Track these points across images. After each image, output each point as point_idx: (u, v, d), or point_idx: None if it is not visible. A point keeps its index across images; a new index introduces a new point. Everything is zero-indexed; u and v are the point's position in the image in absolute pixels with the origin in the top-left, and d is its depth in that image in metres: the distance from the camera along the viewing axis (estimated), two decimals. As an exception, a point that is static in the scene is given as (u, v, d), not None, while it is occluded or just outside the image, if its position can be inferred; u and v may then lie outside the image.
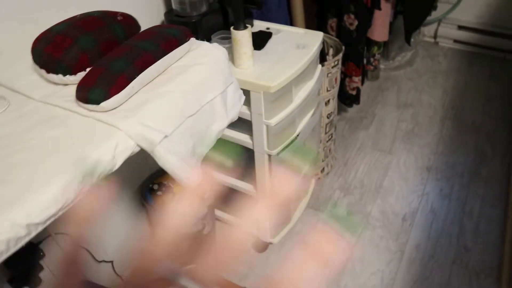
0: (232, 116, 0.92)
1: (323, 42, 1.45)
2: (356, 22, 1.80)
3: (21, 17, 0.93)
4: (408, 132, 2.18)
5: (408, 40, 2.34)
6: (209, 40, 1.22)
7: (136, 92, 0.80)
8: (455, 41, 2.85)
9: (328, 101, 1.66)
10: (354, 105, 2.10)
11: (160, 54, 0.81)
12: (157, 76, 0.83)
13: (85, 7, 1.04)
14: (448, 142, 2.11)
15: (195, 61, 0.87)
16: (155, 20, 1.30)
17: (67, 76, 0.81)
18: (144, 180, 1.44)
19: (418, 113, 2.30)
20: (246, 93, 1.17)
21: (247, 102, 1.20)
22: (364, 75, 2.11)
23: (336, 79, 1.66)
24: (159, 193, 1.40)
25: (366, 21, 1.81)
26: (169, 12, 1.26)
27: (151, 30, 0.87)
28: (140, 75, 0.77)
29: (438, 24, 2.84)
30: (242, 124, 1.27)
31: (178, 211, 0.28)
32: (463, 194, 1.82)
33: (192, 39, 0.89)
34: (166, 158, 0.77)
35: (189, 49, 0.89)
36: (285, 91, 1.23)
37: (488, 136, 2.12)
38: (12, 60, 0.92)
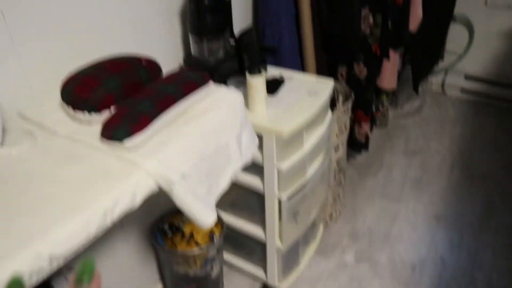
0: (247, 159, 0.95)
1: (334, 89, 1.50)
2: (365, 71, 1.86)
3: (52, 57, 0.99)
4: (416, 180, 2.19)
5: (416, 89, 2.40)
6: (225, 84, 1.27)
7: (158, 132, 0.83)
8: (463, 90, 2.90)
9: (338, 146, 1.69)
10: (363, 152, 2.13)
11: (180, 96, 0.85)
12: (178, 117, 0.87)
13: (112, 50, 1.11)
14: (457, 190, 2.11)
15: (214, 104, 0.91)
16: (174, 62, 1.37)
17: (93, 114, 0.86)
18: (155, 220, 1.45)
19: (427, 161, 2.32)
20: (259, 137, 1.20)
21: (259, 146, 1.23)
22: (373, 122, 2.16)
23: (345, 125, 1.70)
24: (169, 234, 1.41)
25: (375, 70, 1.87)
26: (188, 56, 1.32)
27: (173, 75, 0.92)
28: (161, 116, 0.81)
29: (446, 74, 2.91)
30: (252, 167, 1.30)
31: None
32: (473, 244, 1.81)
33: (211, 83, 0.94)
34: (184, 198, 0.79)
35: (208, 93, 0.93)
36: (297, 136, 1.26)
37: (497, 185, 2.12)
38: (42, 96, 0.97)
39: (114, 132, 0.78)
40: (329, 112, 1.49)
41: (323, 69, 1.84)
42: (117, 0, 1.11)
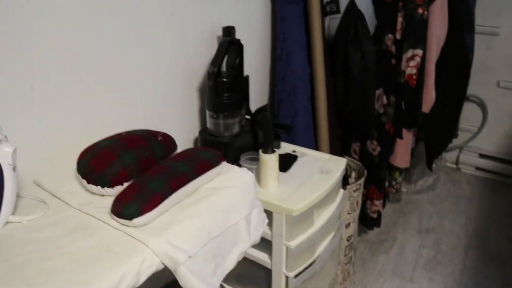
0: (255, 239, 0.95)
1: (346, 165, 1.51)
2: (378, 148, 1.87)
3: (73, 127, 1.03)
4: (430, 260, 2.12)
5: (429, 166, 2.39)
6: (238, 159, 1.29)
7: (167, 211, 0.84)
8: (477, 168, 2.88)
9: (349, 224, 1.67)
10: (375, 228, 2.10)
11: (193, 176, 0.87)
12: (188, 196, 0.88)
13: (133, 121, 1.15)
14: (473, 272, 2.04)
15: (224, 184, 0.92)
16: (191, 135, 1.40)
17: (106, 188, 0.87)
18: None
19: (441, 239, 2.27)
20: (269, 214, 1.20)
21: (269, 223, 1.23)
22: (385, 199, 2.14)
23: (357, 202, 1.69)
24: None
25: (388, 148, 1.89)
26: (203, 130, 1.36)
27: (187, 152, 0.95)
28: (173, 195, 0.83)
29: (460, 151, 2.91)
30: (261, 242, 1.28)
31: None
32: (489, 334, 1.71)
33: (224, 163, 0.96)
34: (188, 278, 0.78)
35: (219, 172, 0.95)
36: (307, 215, 1.25)
37: (514, 271, 2.05)
38: (59, 165, 1.00)
39: (124, 209, 0.79)
40: (341, 190, 1.49)
41: (337, 144, 1.86)
42: (139, 75, 1.17)
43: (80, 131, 1.05)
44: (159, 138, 0.96)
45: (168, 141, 0.98)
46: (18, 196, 0.90)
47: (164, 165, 0.89)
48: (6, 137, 0.77)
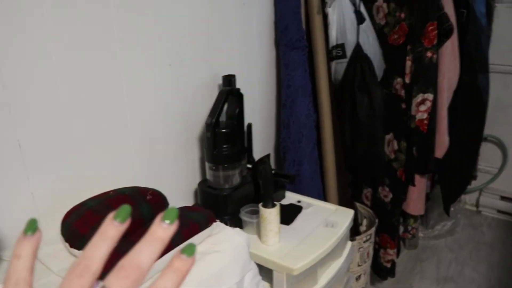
0: (248, 307, 0.88)
1: (356, 212, 1.44)
2: (390, 195, 1.79)
3: (61, 185, 1.00)
4: (449, 313, 1.99)
5: (447, 211, 2.29)
6: (237, 212, 1.24)
7: (150, 278, 0.79)
8: (499, 211, 2.75)
9: (359, 276, 1.58)
10: (389, 278, 1.99)
11: (179, 241, 0.82)
12: (174, 262, 0.82)
13: (126, 177, 1.11)
14: (496, 328, 1.90)
15: (214, 247, 0.87)
16: (191, 186, 1.36)
17: (88, 253, 0.82)
18: None
19: (461, 290, 2.13)
20: (269, 272, 1.13)
21: (269, 280, 1.16)
22: (399, 247, 2.04)
23: (368, 253, 1.60)
24: None
25: (400, 195, 1.80)
26: (203, 182, 1.31)
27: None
28: (155, 263, 0.77)
29: (480, 193, 2.79)
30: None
31: None
32: None
33: (215, 224, 0.90)
34: None
35: (210, 234, 0.90)
36: (310, 272, 1.18)
37: (542, 328, 1.90)
38: (46, 225, 0.96)
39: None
40: (349, 243, 1.41)
41: (346, 191, 1.79)
42: (134, 126, 1.14)
43: (69, 187, 1.01)
44: (147, 197, 0.91)
45: (157, 200, 0.94)
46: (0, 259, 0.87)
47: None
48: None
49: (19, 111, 0.88)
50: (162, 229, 0.29)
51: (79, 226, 0.84)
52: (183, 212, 0.91)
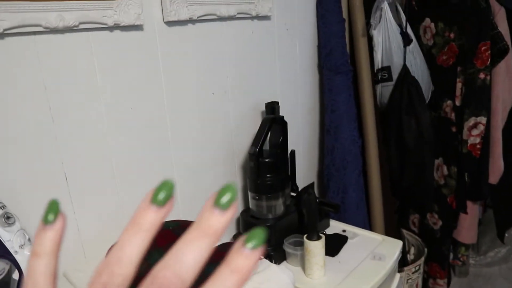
0: None
1: (404, 240, 1.37)
2: (440, 222, 1.71)
3: (104, 219, 1.00)
4: None
5: (501, 238, 2.15)
6: (281, 243, 1.21)
7: None
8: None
9: (408, 309, 1.51)
10: (440, 309, 1.89)
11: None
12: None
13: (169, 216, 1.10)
14: None
15: (260, 286, 0.84)
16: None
17: (133, 290, 0.82)
18: None
19: (518, 324, 1.99)
20: (314, 308, 1.09)
21: (315, 316, 1.12)
22: (450, 276, 1.93)
23: (417, 284, 1.52)
24: None
25: (451, 223, 1.72)
26: (245, 211, 1.29)
27: (219, 251, 0.88)
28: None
29: (537, 218, 2.62)
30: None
31: None
32: None
33: (260, 262, 0.88)
34: None
35: (255, 272, 0.87)
36: (357, 309, 1.13)
37: None
38: (90, 261, 0.97)
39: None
40: (397, 275, 1.35)
41: (392, 219, 1.73)
42: (176, 157, 1.14)
43: (115, 221, 1.02)
44: (191, 233, 0.90)
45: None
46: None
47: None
48: (29, 240, 0.75)
49: (66, 145, 0.90)
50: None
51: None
52: (227, 249, 0.89)
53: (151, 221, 0.22)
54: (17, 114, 0.81)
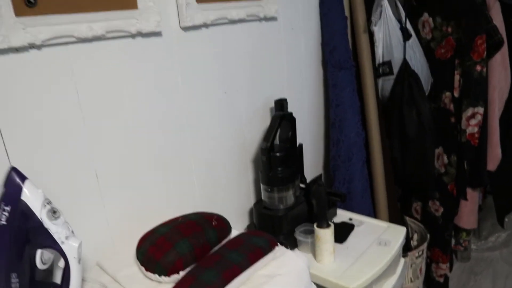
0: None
1: (407, 227, 1.45)
2: (441, 209, 1.79)
3: (134, 212, 1.08)
4: (507, 328, 1.95)
5: (501, 223, 2.24)
6: (292, 232, 1.29)
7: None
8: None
9: (413, 292, 1.59)
10: (442, 292, 1.97)
11: (246, 265, 0.88)
12: (242, 285, 0.88)
13: (188, 200, 1.19)
14: None
15: (277, 270, 0.92)
16: (246, 205, 1.42)
17: (162, 276, 0.90)
18: None
19: (519, 305, 2.08)
20: (326, 290, 1.18)
21: (326, 298, 1.20)
22: (452, 260, 2.01)
23: (420, 269, 1.60)
24: None
25: (452, 210, 1.79)
26: (258, 202, 1.37)
27: (240, 239, 0.96)
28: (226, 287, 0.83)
29: (535, 203, 2.70)
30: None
31: None
32: None
33: (277, 248, 0.96)
34: None
35: (273, 258, 0.95)
36: (366, 291, 1.21)
37: None
38: (121, 248, 1.05)
39: (179, 304, 0.80)
40: (402, 259, 1.43)
41: (396, 206, 1.80)
42: (194, 154, 1.22)
43: (140, 213, 1.09)
44: (213, 223, 0.98)
45: (222, 225, 1.00)
46: (83, 280, 0.95)
47: (217, 255, 0.91)
48: (72, 232, 0.83)
49: (96, 144, 0.97)
50: None
51: (153, 252, 0.92)
52: (248, 237, 0.97)
53: None
54: (52, 117, 0.88)
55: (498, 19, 1.73)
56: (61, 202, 0.90)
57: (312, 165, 1.69)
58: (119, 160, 1.03)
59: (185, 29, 1.12)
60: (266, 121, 1.41)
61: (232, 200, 1.37)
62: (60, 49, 0.87)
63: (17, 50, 0.81)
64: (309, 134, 1.66)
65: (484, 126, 1.71)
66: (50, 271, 0.87)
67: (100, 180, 1.01)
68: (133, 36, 0.99)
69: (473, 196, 1.84)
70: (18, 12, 0.80)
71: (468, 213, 1.87)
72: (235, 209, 1.39)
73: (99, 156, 0.98)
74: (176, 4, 1.09)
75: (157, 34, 1.05)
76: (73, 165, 0.94)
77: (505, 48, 1.78)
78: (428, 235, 1.67)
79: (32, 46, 0.83)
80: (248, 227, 1.43)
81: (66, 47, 0.88)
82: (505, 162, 1.91)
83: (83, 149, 0.95)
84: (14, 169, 0.77)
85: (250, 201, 1.43)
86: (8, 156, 0.83)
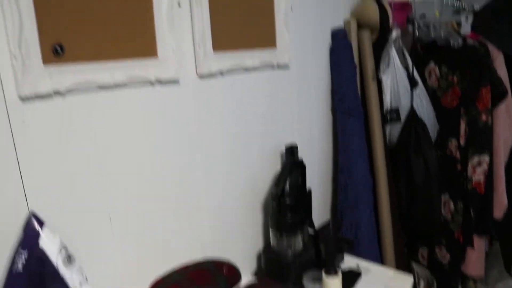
0: None
1: (413, 273, 1.43)
2: (448, 256, 1.78)
3: (142, 255, 1.08)
4: None
5: (508, 270, 2.21)
6: (300, 277, 1.28)
7: None
8: None
9: None
10: None
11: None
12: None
13: (198, 244, 1.18)
14: None
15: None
16: (253, 250, 1.41)
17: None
18: None
19: None
20: None
21: None
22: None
23: (428, 318, 1.58)
24: None
25: (458, 257, 1.78)
26: (267, 247, 1.37)
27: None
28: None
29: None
30: None
31: None
32: None
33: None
34: None
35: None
36: None
37: None
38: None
39: None
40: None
41: (402, 253, 1.79)
42: (206, 198, 1.23)
43: (151, 257, 1.09)
44: (224, 270, 0.98)
45: (232, 273, 1.01)
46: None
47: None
48: (86, 278, 0.83)
49: (111, 188, 0.99)
50: None
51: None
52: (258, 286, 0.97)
53: None
54: (70, 163, 0.90)
55: (502, 70, 1.77)
56: (74, 245, 0.90)
57: (320, 210, 1.70)
58: (131, 204, 1.04)
59: (202, 76, 1.15)
60: (277, 166, 1.43)
61: (241, 243, 1.37)
62: (82, 96, 0.89)
63: (42, 97, 0.84)
64: (318, 178, 1.67)
65: (490, 174, 1.72)
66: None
67: (114, 223, 1.01)
68: (152, 83, 1.03)
69: (479, 244, 1.83)
70: (46, 60, 0.83)
71: (475, 260, 1.85)
72: (244, 253, 1.38)
73: (113, 200, 1.00)
74: (193, 52, 1.13)
75: (175, 82, 1.08)
76: (87, 208, 0.95)
77: (509, 97, 1.81)
78: (435, 282, 1.66)
79: (56, 92, 0.85)
80: (256, 274, 1.42)
81: (88, 94, 0.91)
82: (510, 208, 1.91)
83: (98, 193, 0.96)
84: (33, 214, 0.78)
85: (259, 245, 1.43)
86: (26, 200, 0.84)
